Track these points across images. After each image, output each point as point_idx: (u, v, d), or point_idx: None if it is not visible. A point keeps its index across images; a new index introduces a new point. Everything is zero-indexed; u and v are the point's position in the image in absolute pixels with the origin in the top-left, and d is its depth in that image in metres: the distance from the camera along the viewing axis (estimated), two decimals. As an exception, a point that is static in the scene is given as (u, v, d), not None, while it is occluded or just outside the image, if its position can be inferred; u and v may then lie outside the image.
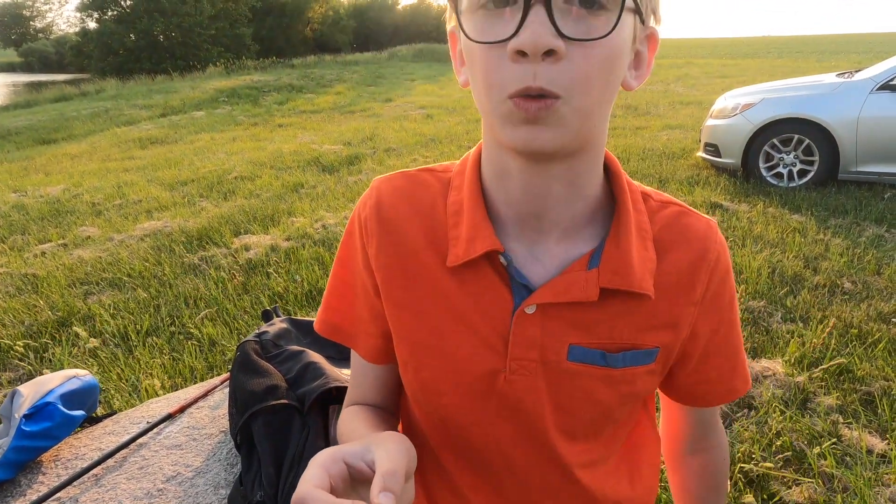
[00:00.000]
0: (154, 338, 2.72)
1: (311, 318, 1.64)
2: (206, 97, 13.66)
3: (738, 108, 4.94)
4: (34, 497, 1.22)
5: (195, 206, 4.90)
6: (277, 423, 1.20)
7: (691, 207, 0.63)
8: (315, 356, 1.36)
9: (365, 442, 0.48)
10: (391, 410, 0.73)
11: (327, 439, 1.18)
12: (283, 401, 1.22)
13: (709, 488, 0.75)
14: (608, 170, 0.60)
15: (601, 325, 0.57)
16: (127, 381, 2.37)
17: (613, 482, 0.67)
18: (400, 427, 0.75)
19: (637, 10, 0.49)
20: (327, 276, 3.23)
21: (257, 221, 4.34)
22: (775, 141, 4.76)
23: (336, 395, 1.25)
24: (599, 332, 0.57)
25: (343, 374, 1.31)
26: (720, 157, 5.10)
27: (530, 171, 0.53)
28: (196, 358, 2.52)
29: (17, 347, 2.63)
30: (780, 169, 4.82)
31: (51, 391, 1.39)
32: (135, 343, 2.68)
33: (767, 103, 4.79)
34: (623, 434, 0.67)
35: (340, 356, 1.47)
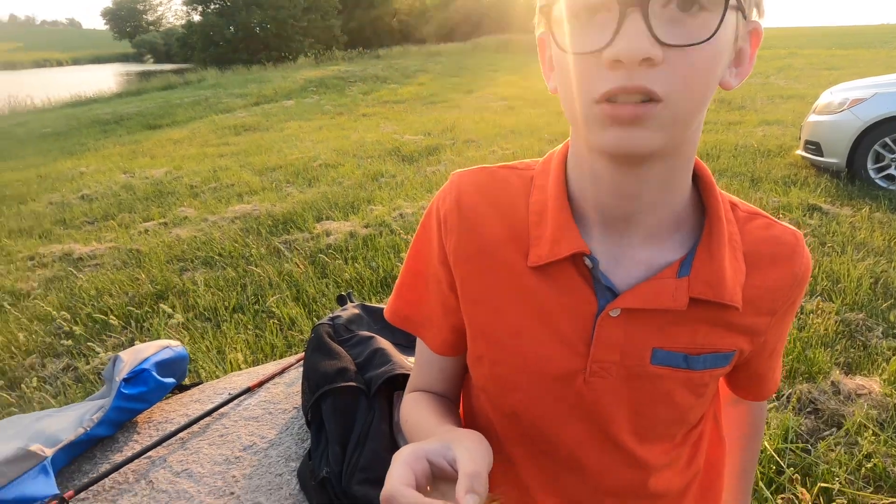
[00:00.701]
0: (240, 314, 2.89)
1: (383, 306, 1.69)
2: (296, 87, 14.24)
3: (845, 103, 4.56)
4: (130, 453, 1.35)
5: (282, 192, 5.14)
6: (345, 404, 1.25)
7: (774, 217, 0.62)
8: (384, 342, 1.41)
9: (444, 439, 0.50)
10: (453, 399, 0.75)
11: (391, 424, 1.22)
12: (351, 383, 1.27)
13: (745, 435, 0.79)
14: (697, 177, 0.59)
15: (684, 329, 0.57)
16: (216, 352, 2.54)
17: (679, 482, 0.68)
18: (461, 412, 0.76)
19: (739, 7, 0.46)
20: (403, 264, 3.30)
21: (338, 208, 4.50)
22: (887, 140, 4.35)
23: (402, 382, 1.28)
24: (682, 335, 0.57)
25: (409, 362, 1.35)
26: (822, 156, 4.74)
27: (621, 175, 0.53)
28: (276, 336, 2.66)
29: (111, 320, 2.88)
30: (891, 171, 4.41)
31: (147, 359, 1.52)
32: (223, 318, 2.86)
33: (880, 98, 4.39)
34: (693, 436, 0.68)
35: (408, 343, 1.51)
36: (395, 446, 1.18)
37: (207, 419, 1.46)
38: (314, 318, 2.81)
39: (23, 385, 2.33)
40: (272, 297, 3.02)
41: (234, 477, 1.27)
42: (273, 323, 2.77)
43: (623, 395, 0.59)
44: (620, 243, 0.57)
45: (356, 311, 1.60)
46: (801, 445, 1.84)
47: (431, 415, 0.66)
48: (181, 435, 1.41)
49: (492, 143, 6.84)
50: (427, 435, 0.61)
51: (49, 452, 1.22)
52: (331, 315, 1.57)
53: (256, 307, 2.97)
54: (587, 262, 0.56)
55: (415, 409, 0.69)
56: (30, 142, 9.30)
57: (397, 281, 0.71)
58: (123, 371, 1.45)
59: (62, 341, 2.72)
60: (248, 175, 5.82)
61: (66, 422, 1.36)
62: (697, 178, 0.59)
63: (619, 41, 0.43)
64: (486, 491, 0.44)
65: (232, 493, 1.22)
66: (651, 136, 0.46)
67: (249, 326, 2.77)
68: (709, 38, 0.44)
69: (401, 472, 0.45)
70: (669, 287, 0.55)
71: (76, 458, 1.36)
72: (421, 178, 5.32)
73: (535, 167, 0.63)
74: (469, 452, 0.47)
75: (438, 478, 0.48)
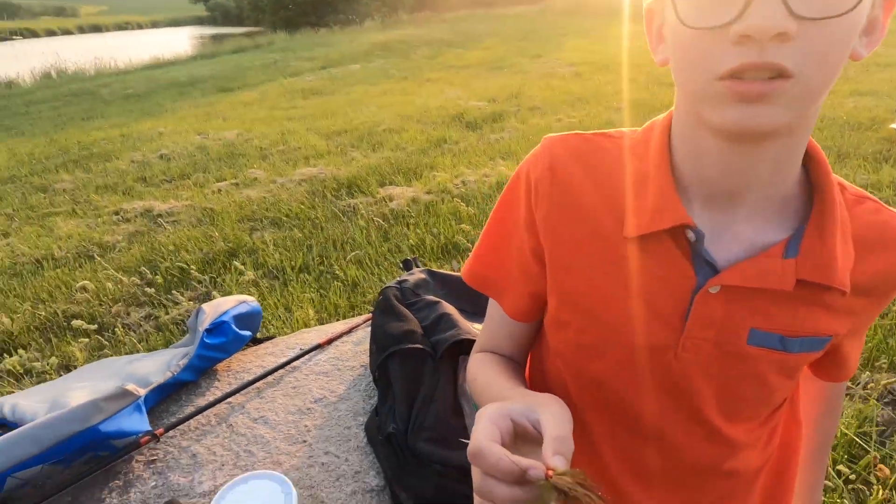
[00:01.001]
0: (305, 274, 3.00)
1: (448, 272, 1.72)
2: (362, 50, 14.28)
3: (953, 73, 4.16)
4: (212, 398, 1.45)
5: (347, 156, 5.23)
6: (411, 365, 1.29)
7: (883, 202, 0.60)
8: (449, 308, 1.43)
9: (527, 401, 0.51)
10: (520, 362, 0.76)
11: (456, 386, 1.26)
12: (418, 345, 1.31)
13: (821, 413, 0.77)
14: (808, 155, 0.57)
15: (784, 310, 0.55)
16: (284, 309, 2.66)
17: (757, 461, 0.67)
18: (527, 375, 0.77)
19: None
20: (464, 231, 3.32)
21: (401, 173, 4.54)
22: None
23: (467, 347, 1.31)
24: (781, 317, 0.56)
25: (474, 328, 1.37)
26: (921, 130, 4.37)
27: (734, 153, 0.51)
28: (340, 296, 2.75)
29: (189, 273, 3.05)
30: None
31: (226, 311, 1.61)
32: (290, 277, 2.98)
33: None
34: (776, 417, 0.67)
35: (473, 309, 1.53)
36: (458, 409, 1.22)
37: (281, 371, 1.55)
38: (378, 281, 2.88)
39: (115, 329, 2.53)
40: (336, 259, 3.12)
41: (306, 426, 1.35)
42: (337, 284, 2.86)
43: (713, 372, 0.58)
44: (723, 219, 0.56)
45: (423, 275, 1.63)
46: (874, 438, 1.76)
47: (500, 375, 0.67)
48: (258, 385, 1.50)
49: (557, 110, 6.67)
50: (497, 395, 0.62)
51: (142, 392, 1.32)
52: (398, 279, 1.61)
53: (321, 268, 3.07)
54: (690, 235, 0.55)
55: (483, 369, 0.70)
56: (114, 102, 9.80)
57: (478, 243, 0.71)
58: (206, 322, 1.54)
59: (145, 289, 2.91)
60: (314, 138, 5.94)
61: (156, 366, 1.47)
62: (808, 157, 0.57)
63: (750, 15, 0.41)
64: (571, 454, 0.45)
65: (304, 442, 1.29)
66: (778, 113, 0.44)
67: (314, 286, 2.87)
68: (850, 10, 0.41)
69: (487, 427, 0.46)
70: (776, 267, 0.53)
71: (164, 399, 1.47)
72: (484, 146, 5.28)
73: (635, 136, 0.62)
74: (553, 417, 0.48)
75: (520, 437, 0.49)
